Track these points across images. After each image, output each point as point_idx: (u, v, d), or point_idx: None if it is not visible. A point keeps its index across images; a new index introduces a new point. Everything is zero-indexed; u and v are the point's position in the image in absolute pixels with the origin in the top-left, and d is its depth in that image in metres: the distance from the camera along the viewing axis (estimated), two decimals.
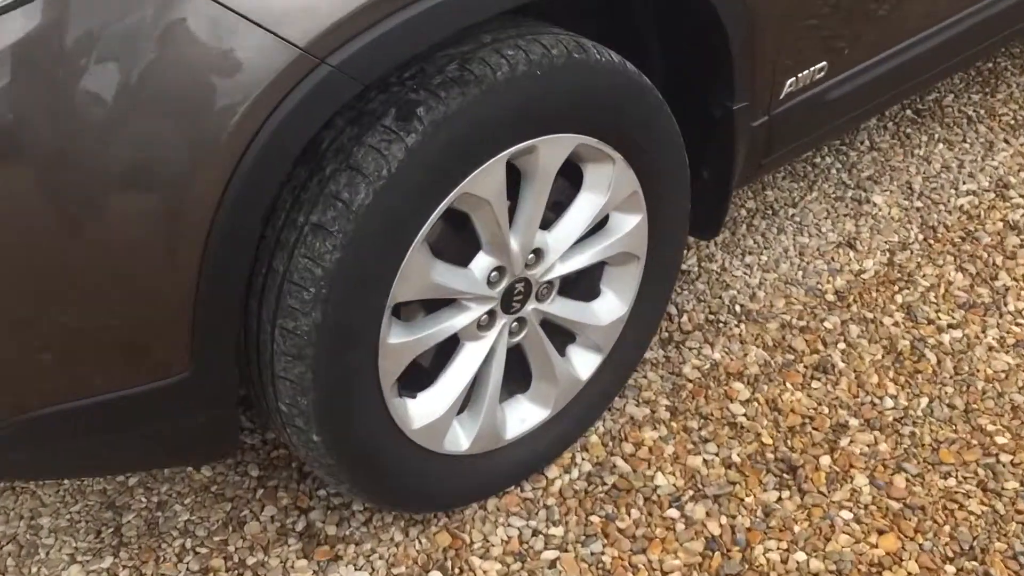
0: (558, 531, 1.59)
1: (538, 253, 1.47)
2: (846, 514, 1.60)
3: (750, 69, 1.56)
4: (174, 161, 1.08)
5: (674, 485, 1.66)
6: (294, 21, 1.07)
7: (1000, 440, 1.72)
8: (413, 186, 1.24)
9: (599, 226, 1.55)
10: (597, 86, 1.38)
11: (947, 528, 1.57)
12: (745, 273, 2.10)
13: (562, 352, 1.63)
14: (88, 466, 1.37)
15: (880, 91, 1.93)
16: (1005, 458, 1.69)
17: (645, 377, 1.85)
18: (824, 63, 1.72)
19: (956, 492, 1.63)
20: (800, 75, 1.69)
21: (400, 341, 1.36)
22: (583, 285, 1.61)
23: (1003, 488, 1.63)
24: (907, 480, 1.65)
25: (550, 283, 1.52)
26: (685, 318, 1.99)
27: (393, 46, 1.14)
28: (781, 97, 1.69)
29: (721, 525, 1.59)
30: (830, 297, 2.03)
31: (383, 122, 1.22)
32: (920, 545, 1.55)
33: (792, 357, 1.89)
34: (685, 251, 2.14)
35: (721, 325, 1.97)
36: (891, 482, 1.65)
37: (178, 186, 1.10)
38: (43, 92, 1.02)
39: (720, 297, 2.04)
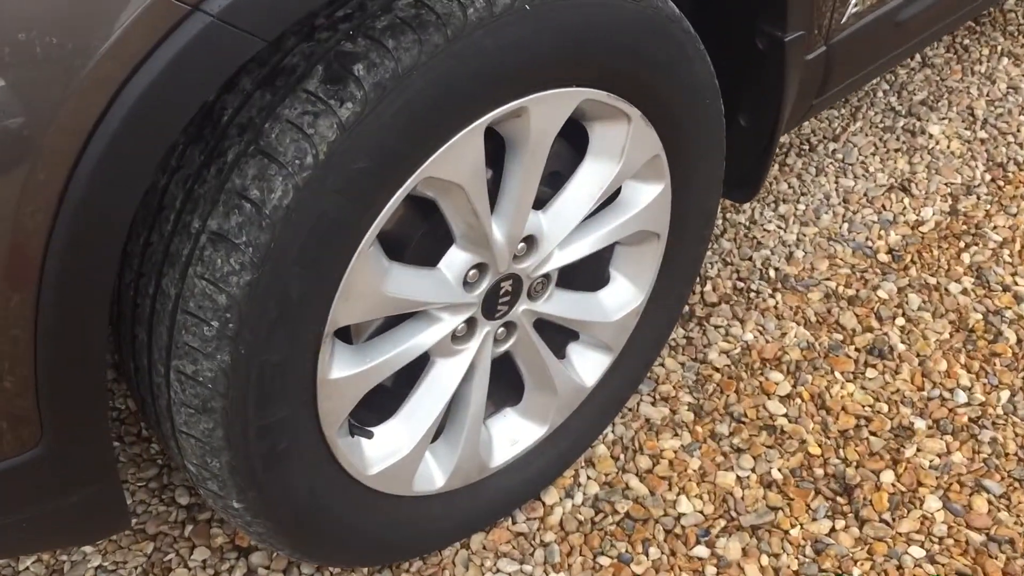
0: None
1: (530, 241, 1.12)
2: (916, 551, 1.29)
3: None
4: None
5: (701, 512, 1.34)
6: None
7: None
8: (352, 176, 0.88)
9: (609, 199, 1.19)
10: (606, 20, 1.01)
11: None
12: (780, 227, 1.75)
13: (561, 355, 1.29)
14: None
15: (953, 7, 1.54)
16: None
17: (663, 365, 1.52)
18: None
19: None
20: None
21: (347, 374, 1.02)
22: (588, 271, 1.26)
23: None
24: (990, 503, 1.34)
25: (546, 276, 1.17)
26: (709, 287, 1.64)
27: None
28: (844, 20, 1.30)
29: (762, 567, 1.28)
30: (883, 257, 1.68)
31: (306, 86, 0.86)
32: None
33: (840, 337, 1.56)
34: None
35: (753, 295, 1.62)
36: (970, 505, 1.33)
37: None
38: None
39: (751, 259, 1.69)
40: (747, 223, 1.76)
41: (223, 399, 0.92)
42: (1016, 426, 1.43)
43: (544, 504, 1.36)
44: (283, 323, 0.92)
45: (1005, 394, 1.47)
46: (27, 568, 1.32)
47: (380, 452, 1.12)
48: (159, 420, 0.99)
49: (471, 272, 1.08)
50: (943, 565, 1.27)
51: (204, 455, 0.96)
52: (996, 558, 1.28)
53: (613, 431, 1.44)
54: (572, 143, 1.13)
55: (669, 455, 1.41)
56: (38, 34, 0.70)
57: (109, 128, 0.75)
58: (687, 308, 1.60)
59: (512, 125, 1.00)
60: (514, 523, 1.34)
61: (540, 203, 1.11)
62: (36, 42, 0.70)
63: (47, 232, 0.77)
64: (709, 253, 1.69)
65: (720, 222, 1.76)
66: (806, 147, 1.90)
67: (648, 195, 1.20)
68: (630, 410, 1.46)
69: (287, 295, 0.90)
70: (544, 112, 1.00)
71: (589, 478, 1.39)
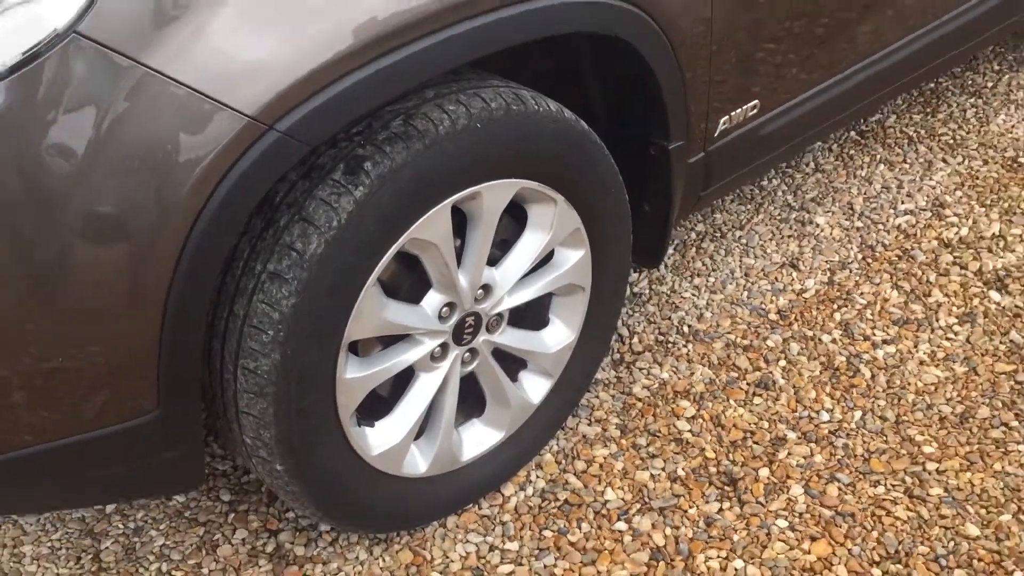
0: (513, 545, 1.70)
1: (487, 289, 1.58)
2: (782, 522, 1.71)
3: (683, 110, 1.68)
4: (136, 218, 1.18)
5: (622, 499, 1.77)
6: (241, 92, 1.17)
7: (927, 449, 1.83)
8: (363, 234, 1.34)
9: (545, 260, 1.66)
10: (535, 134, 1.49)
11: (875, 534, 1.69)
12: (693, 294, 2.21)
13: (514, 378, 1.73)
14: (66, 501, 1.46)
15: (812, 124, 2.04)
16: (931, 466, 1.80)
17: (597, 397, 1.96)
18: (756, 101, 1.83)
19: (884, 499, 1.74)
20: (733, 113, 1.80)
21: (356, 376, 1.46)
22: (532, 315, 1.72)
23: (928, 495, 1.75)
24: (839, 489, 1.77)
25: (500, 315, 1.63)
26: (636, 339, 2.10)
27: (338, 111, 1.24)
28: (716, 135, 1.80)
29: (665, 536, 1.70)
30: (773, 316, 2.15)
31: (333, 176, 1.33)
32: (849, 550, 1.66)
33: (736, 375, 2.01)
34: (637, 275, 2.25)
35: (670, 345, 2.08)
36: (824, 491, 1.76)
37: (140, 240, 1.19)
38: (20, 156, 1.12)
39: (669, 318, 2.15)
40: (668, 292, 2.22)
41: (274, 386, 1.36)
42: (864, 436, 1.87)
43: (503, 495, 1.78)
44: (315, 334, 1.36)
45: (858, 414, 1.91)
46: (106, 548, 1.73)
47: (379, 440, 1.56)
48: (225, 408, 1.42)
49: (444, 309, 1.53)
50: (801, 532, 1.70)
51: (259, 429, 1.40)
52: (841, 527, 1.70)
53: (557, 444, 1.87)
54: (516, 219, 1.60)
55: (599, 460, 1.84)
56: (167, 153, 1.16)
57: (209, 211, 1.20)
58: (619, 355, 2.05)
59: (471, 204, 1.47)
60: (479, 508, 1.76)
61: (493, 261, 1.58)
62: (165, 158, 1.16)
63: (171, 274, 1.21)
64: (637, 314, 2.15)
65: (647, 291, 2.22)
66: (718, 234, 2.39)
67: (573, 257, 1.67)
68: (571, 429, 1.90)
69: (318, 314, 1.35)
70: (493, 195, 1.48)
71: (538, 476, 1.81)
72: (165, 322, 1.24)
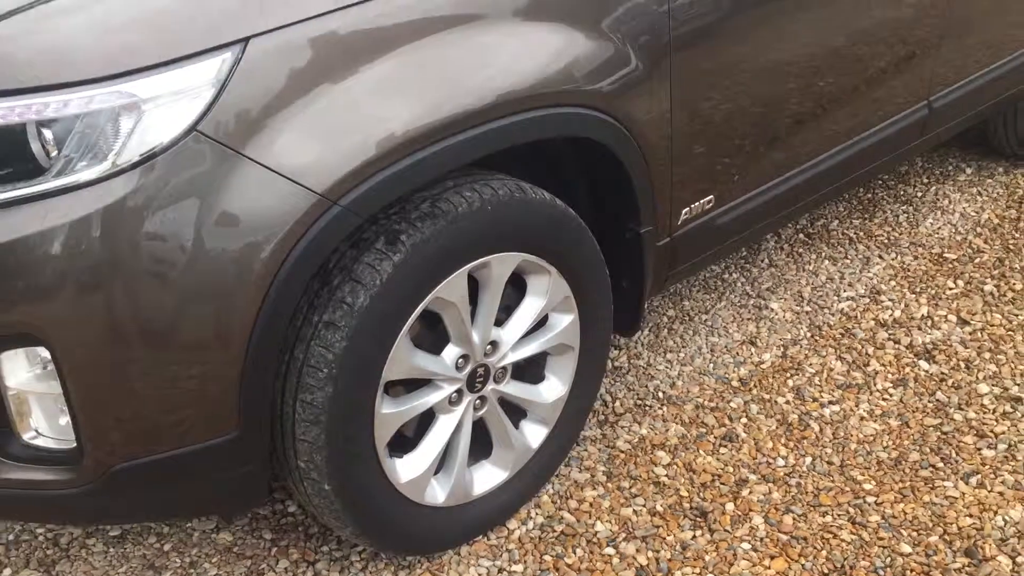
0: (519, 568, 1.98)
1: (494, 344, 1.92)
2: (746, 545, 2.01)
3: (651, 202, 2.06)
4: (231, 278, 1.52)
5: (610, 530, 2.06)
6: (314, 174, 1.53)
7: (867, 486, 2.15)
8: (399, 292, 1.69)
9: (541, 323, 2.00)
10: (533, 217, 1.86)
11: (824, 552, 1.99)
12: (667, 367, 2.56)
13: (516, 425, 2.05)
14: (152, 512, 1.75)
15: (762, 217, 2.43)
16: (871, 499, 2.12)
17: (586, 450, 2.28)
18: (711, 196, 2.22)
19: (831, 526, 2.05)
20: (692, 206, 2.19)
21: (390, 411, 1.78)
22: (531, 371, 2.06)
23: (868, 521, 2.06)
24: (793, 518, 2.07)
25: (504, 368, 1.96)
26: (618, 403, 2.43)
27: (385, 190, 1.61)
28: (679, 223, 2.18)
29: (648, 558, 1.99)
30: (735, 383, 2.49)
31: (375, 246, 1.68)
32: (803, 566, 1.96)
33: (704, 430, 2.33)
34: (618, 351, 2.60)
35: (647, 408, 2.41)
36: (781, 520, 2.07)
37: (233, 296, 1.53)
38: (130, 234, 1.47)
39: (646, 386, 2.49)
40: (645, 365, 2.57)
41: (326, 416, 1.67)
42: (813, 477, 2.18)
43: (508, 528, 2.08)
44: (360, 373, 1.69)
45: (808, 459, 2.24)
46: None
47: (406, 470, 1.86)
48: (284, 436, 1.73)
49: (459, 360, 1.87)
50: (762, 552, 2.00)
51: (312, 453, 1.70)
52: (795, 547, 2.00)
53: (552, 487, 2.17)
54: (518, 288, 1.95)
55: (589, 499, 2.14)
56: (257, 223, 1.52)
57: (284, 271, 1.55)
58: (603, 416, 2.38)
59: (482, 272, 1.83)
60: (488, 539, 2.05)
61: (500, 322, 1.93)
62: (254, 228, 1.52)
63: (253, 323, 1.55)
64: (619, 383, 2.49)
65: (627, 365, 2.56)
66: (687, 318, 2.75)
67: (564, 321, 2.02)
68: (564, 475, 2.20)
69: (362, 356, 1.68)
70: (499, 265, 1.84)
71: (537, 513, 2.11)
72: (247, 361, 1.57)
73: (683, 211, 2.18)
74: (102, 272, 1.46)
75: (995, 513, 2.08)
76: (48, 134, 1.44)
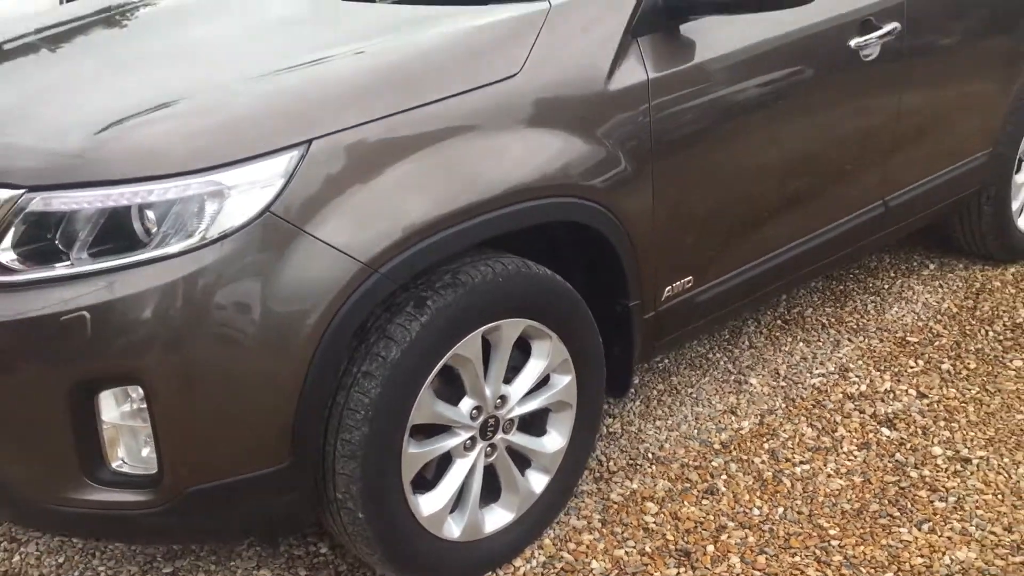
0: None
1: (503, 399, 2.24)
2: None
3: (638, 279, 2.41)
4: (286, 335, 1.86)
5: (605, 567, 2.34)
6: (359, 247, 1.89)
7: (832, 532, 2.44)
8: (425, 348, 2.03)
9: (544, 382, 2.33)
10: (536, 289, 2.21)
11: None
12: (656, 432, 2.87)
13: (522, 472, 2.36)
14: (215, 531, 2.05)
15: (737, 297, 2.78)
16: (834, 542, 2.40)
17: (583, 502, 2.57)
18: (690, 277, 2.58)
19: (799, 564, 2.34)
20: (674, 285, 2.54)
21: (415, 451, 2.10)
22: (535, 424, 2.37)
23: (831, 560, 2.34)
24: (766, 558, 2.36)
25: (512, 420, 2.28)
26: (612, 463, 2.73)
27: (415, 262, 1.96)
28: (662, 299, 2.53)
29: None
30: (717, 446, 2.79)
31: (406, 309, 2.02)
32: None
33: (688, 485, 2.63)
34: (612, 419, 2.91)
35: (638, 466, 2.71)
36: (755, 560, 2.35)
37: (289, 351, 1.87)
38: (212, 295, 1.82)
39: (637, 448, 2.79)
40: (636, 431, 2.88)
41: (362, 452, 1.99)
42: (785, 524, 2.47)
43: (514, 566, 2.36)
44: (390, 416, 2.01)
45: (780, 510, 2.53)
46: None
47: (427, 505, 2.16)
48: (325, 470, 2.04)
49: (474, 410, 2.19)
50: None
51: (348, 484, 2.01)
52: None
53: (552, 532, 2.46)
54: (523, 351, 2.29)
55: (586, 542, 2.43)
56: (312, 288, 1.87)
57: (332, 328, 1.89)
58: (599, 473, 2.68)
59: (494, 334, 2.17)
60: (496, 574, 2.33)
61: (508, 380, 2.25)
62: (310, 292, 1.87)
63: (306, 372, 1.88)
64: (613, 446, 2.79)
65: (620, 430, 2.87)
66: (674, 391, 3.07)
67: (563, 381, 2.34)
68: (563, 522, 2.49)
69: (393, 402, 2.01)
70: (508, 329, 2.18)
71: (540, 553, 2.40)
72: (299, 403, 1.90)
73: (666, 289, 2.53)
74: (188, 327, 1.80)
75: (943, 554, 2.36)
76: (150, 214, 1.81)
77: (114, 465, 1.90)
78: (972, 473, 2.66)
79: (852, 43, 2.78)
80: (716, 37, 2.47)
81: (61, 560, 2.42)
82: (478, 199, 2.04)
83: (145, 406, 1.83)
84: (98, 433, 1.87)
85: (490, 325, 2.13)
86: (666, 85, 2.36)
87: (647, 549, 2.40)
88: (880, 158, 3.05)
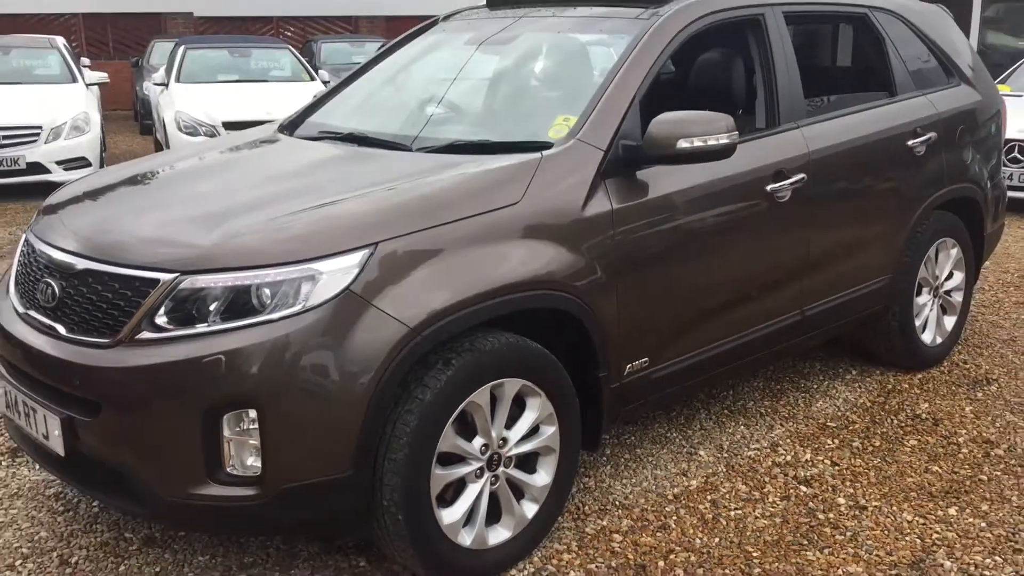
0: None
1: (504, 440, 3.01)
2: None
3: (605, 356, 3.22)
4: (356, 377, 2.65)
5: (580, 573, 3.07)
6: (408, 316, 2.70)
7: (755, 554, 3.16)
8: (449, 395, 2.81)
9: (535, 431, 3.10)
10: (529, 358, 3.00)
11: None
12: (622, 487, 3.61)
13: (518, 501, 3.10)
14: (300, 524, 2.77)
15: (686, 378, 3.58)
16: (756, 562, 3.12)
17: (564, 534, 3.30)
18: (646, 358, 3.39)
19: (728, 574, 3.06)
20: (633, 364, 3.35)
21: (439, 472, 2.85)
22: (529, 464, 3.12)
23: (752, 572, 3.06)
24: (704, 570, 3.08)
25: (511, 458, 3.04)
26: (587, 507, 3.47)
27: (445, 331, 2.77)
28: (625, 374, 3.33)
29: None
30: (670, 497, 3.54)
31: (437, 365, 2.82)
32: None
33: (646, 523, 3.36)
34: (588, 478, 3.66)
35: (607, 510, 3.45)
36: (695, 572, 3.07)
37: (356, 390, 2.65)
38: (305, 346, 2.61)
39: (607, 497, 3.53)
40: (607, 487, 3.62)
41: (404, 468, 2.74)
42: (719, 549, 3.19)
43: (510, 574, 3.07)
44: (424, 442, 2.77)
45: (717, 539, 3.26)
46: None
47: (447, 517, 2.90)
48: (375, 482, 2.77)
49: (482, 447, 2.95)
50: None
51: (392, 493, 2.75)
52: None
53: (540, 552, 3.17)
54: (519, 406, 3.06)
55: (566, 559, 3.14)
56: (375, 345, 2.68)
57: (384, 379, 2.68)
58: (576, 515, 3.40)
59: (499, 389, 2.95)
60: None
61: (508, 426, 3.02)
62: (374, 349, 2.68)
63: (367, 407, 2.67)
64: (588, 497, 3.53)
65: (594, 485, 3.61)
66: (638, 459, 3.83)
67: (549, 431, 3.11)
68: (548, 546, 3.21)
69: (425, 432, 2.77)
70: (509, 386, 2.96)
71: (530, 565, 3.11)
72: (361, 427, 2.67)
73: (627, 366, 3.33)
74: (290, 367, 2.59)
75: (838, 568, 3.09)
76: (265, 291, 2.63)
77: (228, 469, 2.65)
78: (867, 516, 3.41)
79: (768, 188, 3.69)
80: (664, 180, 3.37)
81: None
82: (487, 289, 2.86)
83: (256, 425, 2.60)
84: (220, 445, 2.63)
85: (496, 382, 2.93)
86: (626, 215, 3.24)
87: (613, 564, 3.13)
88: (796, 277, 3.92)
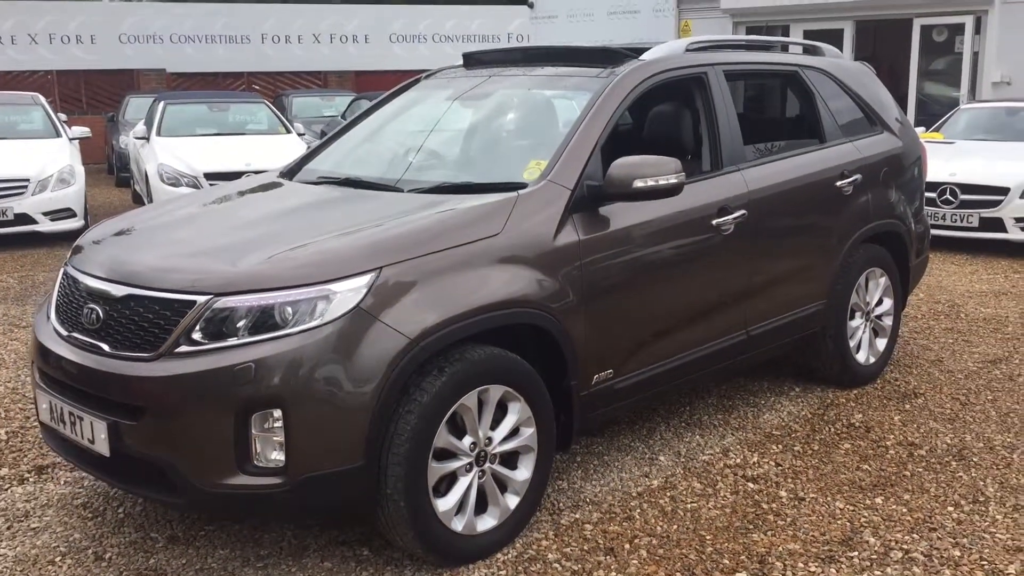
0: (502, 574, 3.42)
1: (490, 440, 3.48)
2: (636, 561, 3.47)
3: (576, 367, 3.71)
4: (365, 383, 3.11)
5: (557, 557, 3.51)
6: (408, 329, 3.18)
7: (707, 537, 3.64)
8: (443, 398, 3.28)
9: (516, 431, 3.57)
10: (510, 367, 3.49)
11: (679, 564, 3.45)
12: (592, 488, 4.08)
13: (502, 493, 3.56)
14: (320, 508, 3.21)
15: (647, 388, 4.08)
16: (708, 542, 3.60)
17: (542, 524, 3.75)
18: (610, 369, 3.88)
19: (685, 553, 3.53)
20: (600, 374, 3.84)
21: (435, 466, 3.31)
22: (511, 461, 3.59)
23: (705, 550, 3.54)
24: (664, 550, 3.55)
25: (496, 455, 3.51)
26: (561, 504, 3.93)
27: (438, 343, 3.25)
28: (592, 383, 3.82)
29: (578, 568, 3.44)
30: (634, 494, 4.01)
31: (432, 373, 3.29)
32: (667, 567, 3.42)
33: (613, 515, 3.83)
34: (563, 481, 4.13)
35: (579, 506, 3.91)
36: (656, 551, 3.54)
37: (366, 393, 3.11)
38: (321, 355, 3.08)
39: (579, 495, 4.00)
40: (579, 487, 4.08)
41: (405, 461, 3.20)
42: (677, 534, 3.67)
43: (496, 556, 3.52)
44: (422, 439, 3.23)
45: (675, 527, 3.74)
46: None
47: (441, 505, 3.35)
48: (380, 471, 3.22)
49: (471, 444, 3.42)
50: (647, 564, 3.46)
51: (395, 482, 3.20)
52: (665, 562, 3.47)
53: (522, 538, 3.63)
54: (503, 410, 3.54)
55: (544, 544, 3.60)
56: (380, 355, 3.15)
57: (388, 384, 3.16)
58: (553, 509, 3.86)
59: (485, 394, 3.43)
60: (485, 562, 3.49)
61: (493, 427, 3.49)
62: (379, 358, 3.15)
63: (374, 408, 3.13)
64: (562, 495, 3.99)
65: (567, 486, 4.08)
66: (604, 464, 4.30)
67: (528, 432, 3.58)
68: (527, 534, 3.66)
69: (424, 430, 3.23)
70: (494, 391, 3.44)
71: (512, 550, 3.56)
72: (370, 424, 3.13)
73: (594, 376, 3.82)
74: (310, 372, 3.06)
75: (779, 547, 3.58)
76: (288, 309, 3.11)
77: (256, 462, 3.10)
78: (805, 506, 3.90)
79: (714, 222, 4.23)
80: (623, 215, 3.89)
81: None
82: (473, 307, 3.35)
83: (280, 424, 3.06)
84: (249, 440, 3.08)
85: (482, 387, 3.40)
86: (591, 245, 3.75)
87: (585, 548, 3.59)
88: (740, 301, 4.45)
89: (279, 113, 13.12)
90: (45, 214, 10.09)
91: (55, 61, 21.48)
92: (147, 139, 11.69)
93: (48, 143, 11.05)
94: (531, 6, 18.78)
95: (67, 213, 10.22)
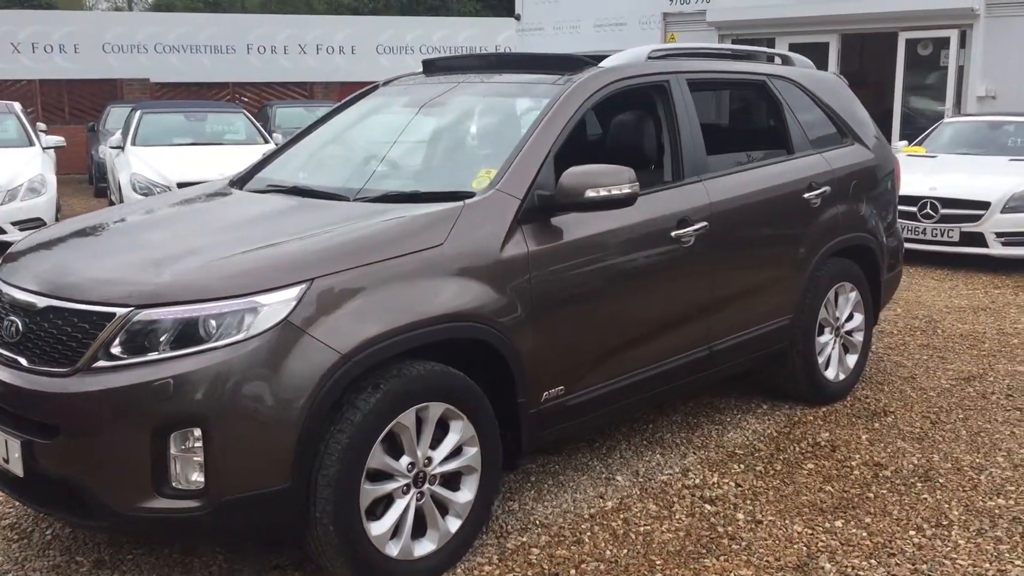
0: None
1: (429, 460, 3.32)
2: None
3: (524, 384, 3.55)
4: (290, 400, 2.96)
5: None
6: (339, 344, 3.02)
7: (658, 563, 3.49)
8: (378, 416, 3.13)
9: (458, 452, 3.41)
10: (452, 384, 3.34)
11: None
12: (544, 509, 3.92)
13: (442, 516, 3.40)
14: (241, 531, 3.05)
15: (600, 406, 3.93)
16: (659, 568, 3.44)
17: (486, 548, 3.59)
18: (562, 386, 3.73)
19: None
20: (550, 391, 3.69)
21: (368, 488, 3.15)
22: (453, 482, 3.43)
23: None
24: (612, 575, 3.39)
25: (435, 476, 3.35)
26: (509, 527, 3.77)
27: (373, 358, 3.10)
28: (542, 401, 3.67)
29: None
30: (586, 516, 3.86)
31: (366, 390, 3.14)
32: None
33: (563, 538, 3.67)
34: (513, 502, 3.97)
35: (528, 529, 3.75)
36: None
37: (292, 410, 2.96)
38: (247, 370, 2.93)
39: (529, 518, 3.84)
40: (530, 509, 3.92)
41: (334, 483, 3.04)
42: (627, 558, 3.52)
43: None
44: (354, 460, 3.08)
45: (625, 551, 3.58)
46: None
47: (375, 529, 3.19)
48: (309, 494, 3.06)
49: (409, 465, 3.26)
50: None
51: (325, 505, 3.04)
52: None
53: (463, 564, 3.47)
54: (443, 428, 3.38)
55: (487, 570, 3.44)
56: (310, 370, 3.00)
57: (317, 401, 3.00)
58: (499, 532, 3.71)
59: (424, 412, 3.27)
60: None
61: (433, 446, 3.34)
62: (309, 373, 2.99)
63: (301, 427, 2.98)
64: (512, 518, 3.83)
65: (518, 508, 3.92)
66: (559, 484, 4.15)
67: (471, 451, 3.43)
68: (470, 558, 3.50)
69: (355, 450, 3.08)
70: (434, 409, 3.29)
71: (453, 575, 3.41)
72: (296, 447, 2.98)
73: (544, 393, 3.67)
74: (233, 390, 2.91)
75: (731, 573, 3.42)
76: (212, 322, 2.95)
77: (174, 484, 2.94)
78: (762, 529, 3.75)
79: (673, 234, 4.09)
80: (576, 226, 3.75)
81: None
82: (416, 320, 3.21)
83: (200, 443, 2.90)
84: (167, 461, 2.92)
85: (421, 405, 3.25)
86: (541, 257, 3.61)
87: (529, 573, 3.43)
88: (702, 315, 4.31)
89: (257, 123, 12.97)
90: (14, 223, 9.91)
91: (38, 70, 21.32)
92: (122, 148, 11.54)
93: (21, 152, 10.88)
94: (518, 18, 18.71)
95: (37, 223, 10.02)
